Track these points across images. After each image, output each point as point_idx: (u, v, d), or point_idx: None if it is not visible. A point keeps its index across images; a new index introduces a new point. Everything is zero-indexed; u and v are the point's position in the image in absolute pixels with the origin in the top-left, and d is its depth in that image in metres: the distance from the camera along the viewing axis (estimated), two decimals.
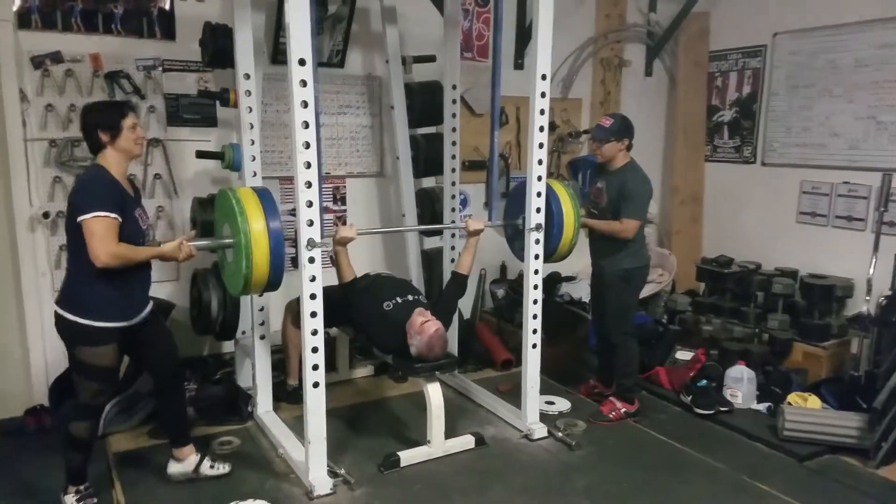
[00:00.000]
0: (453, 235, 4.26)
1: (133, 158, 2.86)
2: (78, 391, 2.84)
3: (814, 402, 3.79)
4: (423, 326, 3.26)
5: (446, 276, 4.24)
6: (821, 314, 4.44)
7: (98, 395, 2.85)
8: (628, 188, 3.71)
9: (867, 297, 4.25)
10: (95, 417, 2.95)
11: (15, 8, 3.55)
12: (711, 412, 3.89)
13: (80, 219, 2.59)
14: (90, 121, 2.74)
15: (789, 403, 3.77)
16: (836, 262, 4.64)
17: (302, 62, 2.71)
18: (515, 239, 3.89)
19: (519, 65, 5.03)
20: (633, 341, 3.93)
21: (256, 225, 2.78)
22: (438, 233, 4.51)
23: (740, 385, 4.00)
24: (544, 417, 3.76)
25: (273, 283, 2.92)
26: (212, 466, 3.21)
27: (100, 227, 2.58)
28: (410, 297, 3.52)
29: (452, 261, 4.24)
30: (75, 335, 2.73)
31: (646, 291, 4.77)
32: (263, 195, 2.90)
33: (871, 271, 4.23)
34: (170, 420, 3.23)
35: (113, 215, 2.62)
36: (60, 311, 2.73)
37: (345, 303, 3.44)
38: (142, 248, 2.76)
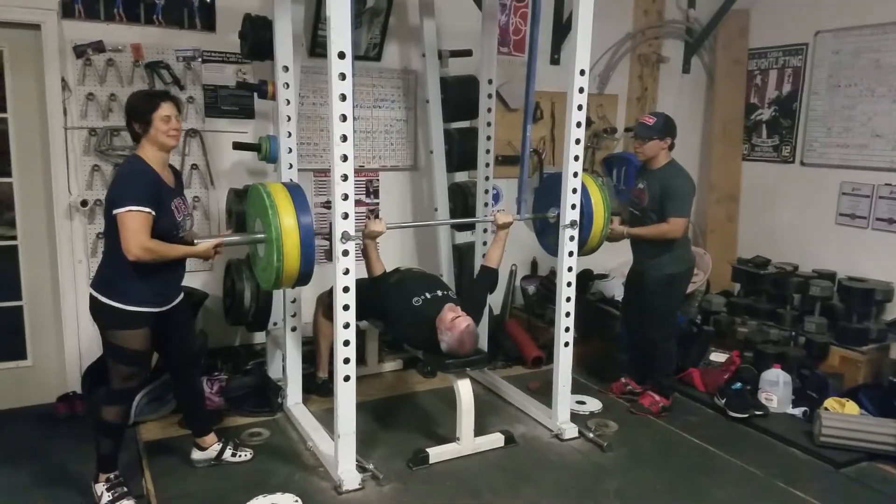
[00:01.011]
0: (485, 230, 4.25)
1: (167, 150, 2.84)
2: (110, 375, 2.88)
3: (851, 407, 3.70)
4: (454, 322, 3.24)
5: (477, 271, 4.22)
6: (859, 318, 4.35)
7: (129, 379, 2.88)
8: (672, 186, 3.68)
9: None
10: (127, 402, 2.99)
11: None
12: (746, 416, 3.83)
13: (114, 212, 2.64)
14: (127, 110, 2.78)
15: (826, 409, 3.70)
16: (876, 266, 4.55)
17: (342, 55, 2.70)
18: (544, 232, 3.87)
19: (555, 60, 4.98)
20: (673, 343, 3.93)
21: (287, 220, 2.81)
22: (470, 227, 4.50)
23: (776, 389, 3.94)
24: (575, 417, 3.72)
25: (304, 277, 2.95)
26: (234, 454, 3.26)
27: (132, 221, 2.61)
28: (440, 293, 3.50)
29: (484, 256, 4.22)
30: (109, 318, 2.77)
31: None
32: (294, 190, 2.92)
33: None
34: (189, 409, 3.28)
35: (146, 210, 2.64)
36: (95, 294, 2.78)
37: (375, 297, 3.43)
38: (175, 247, 2.78)
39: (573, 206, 3.44)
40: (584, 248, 3.66)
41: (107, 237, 2.81)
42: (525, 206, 3.88)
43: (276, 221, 2.80)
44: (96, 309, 2.79)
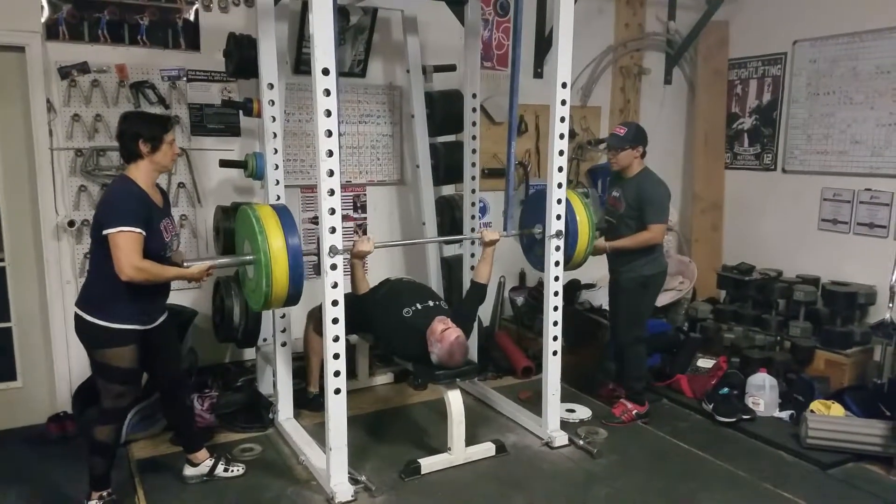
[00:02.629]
0: (473, 243, 4.29)
1: (165, 172, 2.94)
2: (101, 395, 2.88)
3: (837, 409, 3.75)
4: (444, 334, 3.27)
5: (466, 283, 4.26)
6: (843, 321, 4.41)
7: (121, 398, 2.88)
8: (648, 194, 3.75)
9: (890, 305, 4.18)
10: (119, 421, 2.99)
11: (43, 19, 3.62)
12: (733, 420, 3.87)
13: (105, 232, 2.65)
14: (132, 129, 2.78)
15: (812, 411, 3.74)
16: (859, 270, 4.61)
17: (326, 72, 2.74)
18: (531, 248, 3.93)
19: (538, 73, 5.04)
20: (642, 347, 3.97)
21: (276, 243, 2.85)
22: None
23: (762, 393, 3.98)
24: (565, 425, 3.75)
25: (293, 299, 3.00)
26: (226, 469, 3.27)
27: (125, 241, 2.63)
28: (431, 303, 3.53)
29: (472, 268, 4.26)
30: (95, 337, 2.78)
31: (667, 299, 4.77)
32: (282, 212, 2.96)
33: (894, 278, 4.17)
34: (178, 426, 3.29)
35: (138, 230, 2.66)
36: (80, 313, 2.78)
37: (365, 309, 3.45)
38: (168, 268, 2.81)
39: (558, 217, 3.48)
40: (570, 263, 3.71)
41: (93, 255, 2.82)
42: (511, 223, 3.93)
43: (265, 246, 2.84)
44: (82, 328, 2.80)
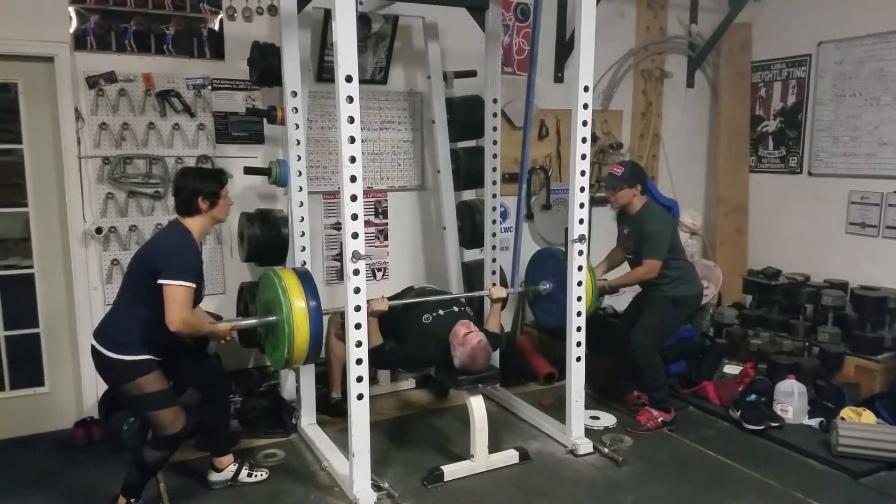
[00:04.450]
0: (494, 248, 4.28)
1: (219, 224, 3.14)
2: (153, 427, 2.90)
3: (868, 416, 3.68)
4: (466, 338, 3.28)
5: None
6: (873, 327, 4.32)
7: (173, 424, 2.88)
8: (646, 230, 3.83)
9: None
10: (172, 449, 2.99)
11: (71, 30, 3.68)
12: (761, 427, 3.81)
13: (163, 282, 2.71)
14: (191, 185, 2.89)
15: (842, 418, 3.67)
16: (888, 274, 4.54)
17: (349, 79, 2.75)
18: (536, 303, 4.03)
19: (559, 78, 5.03)
20: (657, 356, 3.97)
21: (299, 311, 2.97)
22: (479, 246, 4.52)
23: (791, 400, 3.92)
24: (589, 433, 3.72)
25: (311, 359, 3.14)
26: (249, 474, 3.29)
27: (182, 295, 2.72)
28: (456, 309, 3.54)
29: (494, 272, 4.26)
30: (121, 372, 2.82)
31: None
32: (305, 280, 3.06)
33: None
34: (211, 425, 3.30)
35: (193, 285, 2.76)
36: (100, 348, 2.82)
37: (388, 322, 3.46)
38: (206, 324, 2.96)
39: (581, 221, 3.46)
40: None
41: (129, 291, 2.88)
42: (518, 280, 4.00)
43: (289, 315, 2.95)
44: (104, 365, 2.84)
